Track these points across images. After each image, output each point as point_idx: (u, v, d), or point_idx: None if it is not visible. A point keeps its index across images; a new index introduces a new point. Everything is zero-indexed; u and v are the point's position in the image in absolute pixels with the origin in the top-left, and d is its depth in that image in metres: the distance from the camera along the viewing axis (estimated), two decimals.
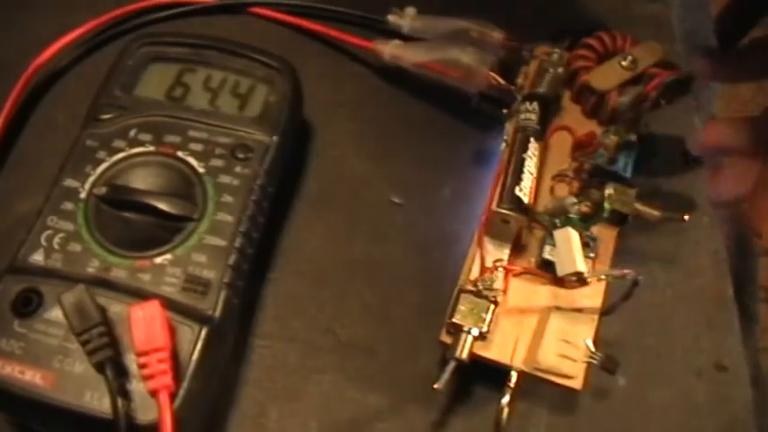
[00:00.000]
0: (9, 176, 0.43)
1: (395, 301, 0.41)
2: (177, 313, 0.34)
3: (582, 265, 0.36)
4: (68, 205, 0.37)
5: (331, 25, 0.48)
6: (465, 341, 0.35)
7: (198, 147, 0.39)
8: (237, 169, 0.38)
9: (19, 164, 0.44)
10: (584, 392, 0.37)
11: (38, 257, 0.36)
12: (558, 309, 0.37)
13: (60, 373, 0.32)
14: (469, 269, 0.38)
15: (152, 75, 0.42)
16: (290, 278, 0.41)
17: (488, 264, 0.38)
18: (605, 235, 0.40)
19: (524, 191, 0.38)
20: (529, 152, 0.39)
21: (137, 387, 0.32)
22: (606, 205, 0.38)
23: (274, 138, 0.40)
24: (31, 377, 0.32)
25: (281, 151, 0.40)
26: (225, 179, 0.38)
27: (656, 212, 0.38)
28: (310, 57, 0.48)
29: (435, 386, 0.34)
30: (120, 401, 0.31)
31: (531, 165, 0.39)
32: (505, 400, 0.35)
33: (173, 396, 0.32)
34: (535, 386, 0.37)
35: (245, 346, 0.39)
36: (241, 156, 0.39)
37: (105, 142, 0.39)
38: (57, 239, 0.36)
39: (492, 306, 0.36)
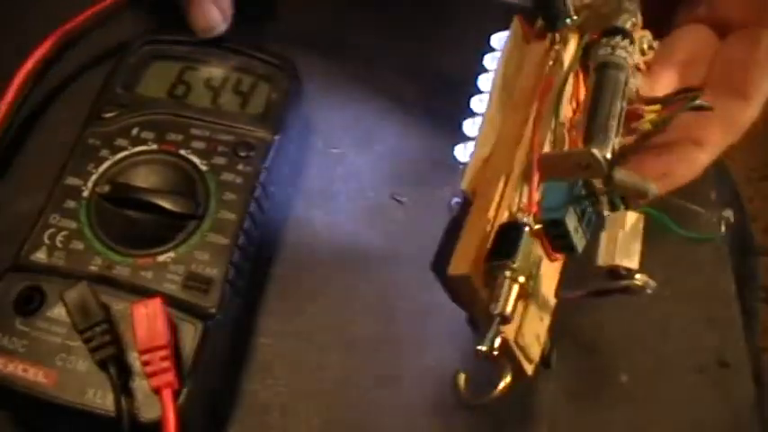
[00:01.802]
0: (10, 175, 0.43)
1: (398, 298, 0.41)
2: (180, 311, 0.34)
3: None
4: (71, 203, 0.37)
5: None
6: (512, 291, 0.28)
7: (200, 145, 0.39)
8: (239, 167, 0.38)
9: (20, 162, 0.44)
10: (586, 390, 0.36)
11: (40, 255, 0.36)
12: (543, 279, 0.32)
13: (63, 371, 0.33)
14: (510, 198, 0.31)
15: (154, 73, 0.42)
16: (292, 275, 0.41)
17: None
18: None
19: (615, 144, 0.30)
20: (624, 102, 0.32)
21: (140, 385, 0.32)
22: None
23: (276, 135, 0.40)
24: (33, 375, 0.32)
25: (283, 149, 0.40)
26: (227, 177, 0.38)
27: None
28: (311, 54, 0.48)
29: (481, 348, 0.28)
30: (123, 399, 0.32)
31: (621, 116, 0.32)
32: (507, 379, 0.30)
33: (176, 393, 0.32)
34: (536, 384, 0.37)
35: (247, 344, 0.39)
36: (243, 153, 0.39)
37: (107, 140, 0.39)
38: (59, 237, 0.36)
39: (543, 259, 0.30)
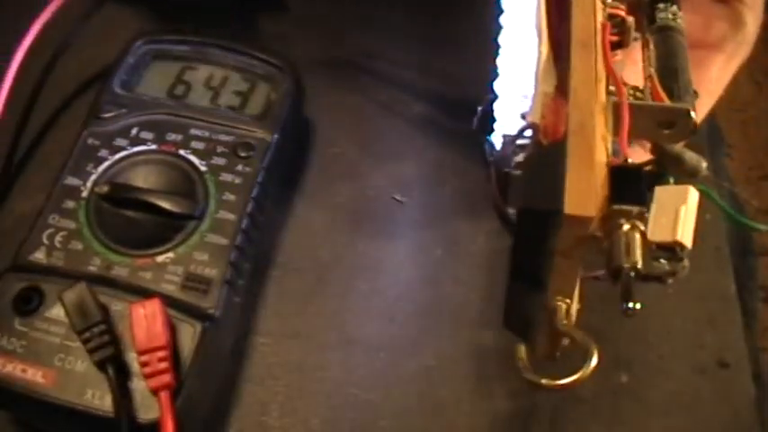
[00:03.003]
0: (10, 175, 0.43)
1: (397, 299, 0.41)
2: (178, 311, 0.34)
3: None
4: (70, 203, 0.37)
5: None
6: (637, 241, 0.25)
7: (199, 145, 0.39)
8: (239, 167, 0.38)
9: (20, 163, 0.44)
10: (587, 389, 0.36)
11: (39, 255, 0.36)
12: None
13: (61, 372, 0.33)
14: (608, 140, 0.28)
15: (154, 73, 0.42)
16: (291, 276, 0.41)
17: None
18: None
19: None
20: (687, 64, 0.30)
21: (138, 385, 0.32)
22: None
23: (276, 135, 0.40)
24: (32, 375, 0.32)
25: (283, 149, 0.40)
26: (226, 177, 0.38)
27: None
28: (311, 54, 0.48)
29: (628, 308, 0.25)
30: (121, 400, 0.31)
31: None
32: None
33: (174, 394, 0.32)
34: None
35: (246, 344, 0.39)
36: (242, 154, 0.39)
37: (107, 140, 0.39)
38: (58, 237, 0.36)
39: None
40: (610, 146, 0.28)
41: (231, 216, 0.37)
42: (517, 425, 0.38)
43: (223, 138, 0.39)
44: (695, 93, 0.30)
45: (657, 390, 0.39)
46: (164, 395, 0.31)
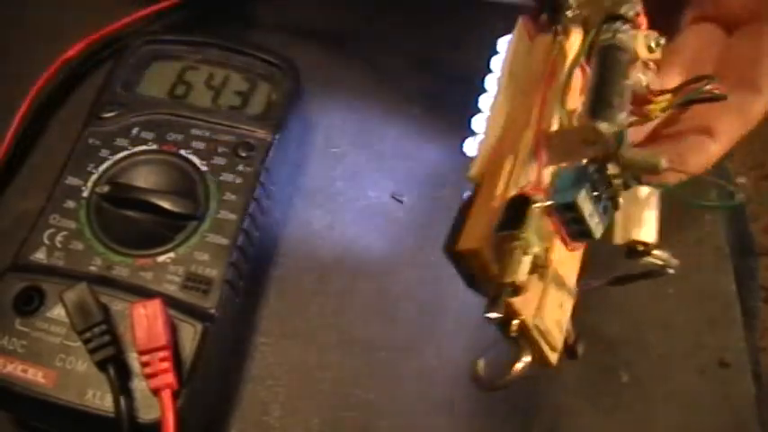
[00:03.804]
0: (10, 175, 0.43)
1: (398, 298, 0.41)
2: (179, 311, 0.34)
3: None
4: (71, 203, 0.37)
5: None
6: (520, 260, 0.28)
7: (200, 145, 0.39)
8: (239, 167, 0.38)
9: (20, 163, 0.43)
10: (588, 389, 0.36)
11: (40, 255, 0.36)
12: (559, 266, 0.31)
13: (62, 372, 0.33)
14: (518, 175, 0.30)
15: (154, 73, 0.42)
16: (291, 275, 0.41)
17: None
18: None
19: (624, 121, 0.30)
20: (629, 82, 0.31)
21: (139, 385, 0.32)
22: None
23: (276, 135, 0.40)
24: (32, 375, 0.32)
25: (283, 149, 0.40)
26: (227, 177, 0.38)
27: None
28: (312, 54, 0.48)
29: (489, 315, 0.28)
30: (122, 400, 0.31)
31: (627, 95, 0.31)
32: (527, 358, 0.29)
33: (175, 394, 0.32)
34: (538, 383, 0.37)
35: (246, 344, 0.39)
36: (243, 153, 0.39)
37: (108, 140, 0.39)
38: (59, 237, 0.36)
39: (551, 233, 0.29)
40: (539, 174, 0.30)
41: (232, 216, 0.37)
42: (517, 425, 0.38)
43: (224, 138, 0.39)
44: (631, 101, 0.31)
45: (657, 390, 0.39)
46: (164, 395, 0.31)
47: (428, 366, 0.38)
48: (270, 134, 0.40)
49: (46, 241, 0.36)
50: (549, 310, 0.30)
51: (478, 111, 0.37)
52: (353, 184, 0.44)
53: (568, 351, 0.32)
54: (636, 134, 0.36)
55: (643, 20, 0.36)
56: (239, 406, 0.38)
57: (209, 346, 0.34)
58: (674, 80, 0.37)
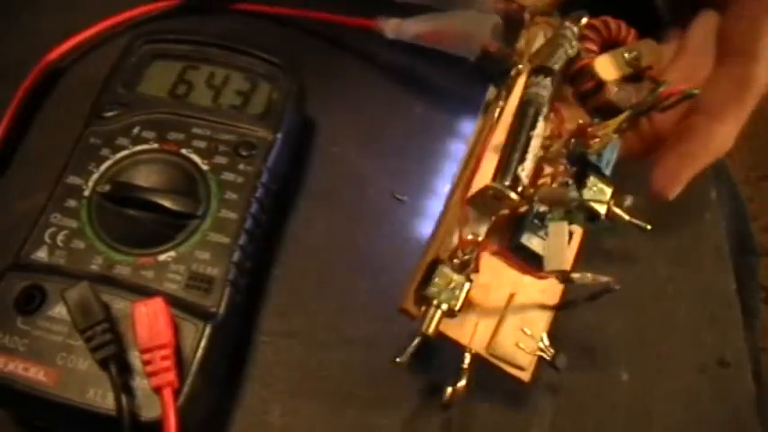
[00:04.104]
0: (11, 174, 0.43)
1: (398, 297, 0.41)
2: (181, 310, 0.34)
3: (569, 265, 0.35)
4: (72, 202, 0.37)
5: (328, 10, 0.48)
6: (434, 316, 0.33)
7: (201, 144, 0.39)
8: (241, 166, 0.38)
9: (21, 162, 0.44)
10: (587, 388, 0.36)
11: (41, 254, 0.36)
12: (521, 296, 0.36)
13: (64, 370, 0.33)
14: (442, 239, 0.35)
15: (155, 72, 0.42)
16: (293, 274, 0.41)
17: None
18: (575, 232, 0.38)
19: (526, 171, 0.35)
20: (537, 131, 0.36)
21: (140, 384, 0.32)
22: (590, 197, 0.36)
23: (277, 135, 0.40)
24: (34, 374, 0.32)
25: (284, 148, 0.40)
26: (228, 176, 0.38)
27: (625, 216, 0.36)
28: (312, 54, 0.48)
29: (398, 360, 0.33)
30: (123, 398, 0.31)
31: (536, 145, 0.36)
32: (461, 383, 0.34)
33: (176, 393, 0.32)
34: (538, 382, 0.37)
35: (248, 343, 0.39)
36: (244, 153, 0.39)
37: (109, 140, 0.39)
38: (60, 236, 0.36)
39: (468, 285, 0.34)
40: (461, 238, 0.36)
41: (233, 215, 0.37)
42: (518, 425, 0.38)
43: (225, 137, 0.39)
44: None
45: (657, 389, 0.39)
46: (166, 394, 0.32)
47: (428, 366, 0.38)
48: (271, 133, 0.40)
49: (47, 240, 0.36)
50: (504, 337, 0.35)
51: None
52: (354, 183, 0.44)
53: (551, 366, 0.35)
54: (633, 143, 0.38)
55: (595, 47, 0.40)
56: (240, 404, 0.38)
57: (210, 344, 0.34)
58: (681, 69, 0.39)
